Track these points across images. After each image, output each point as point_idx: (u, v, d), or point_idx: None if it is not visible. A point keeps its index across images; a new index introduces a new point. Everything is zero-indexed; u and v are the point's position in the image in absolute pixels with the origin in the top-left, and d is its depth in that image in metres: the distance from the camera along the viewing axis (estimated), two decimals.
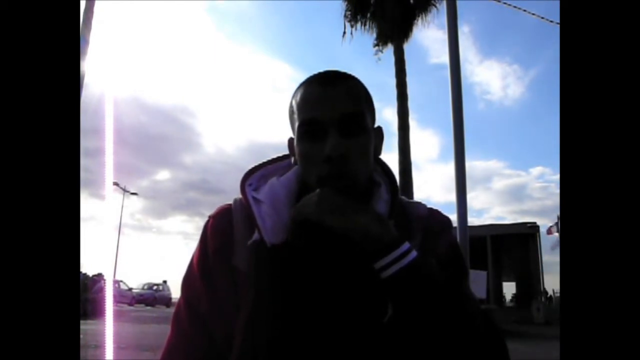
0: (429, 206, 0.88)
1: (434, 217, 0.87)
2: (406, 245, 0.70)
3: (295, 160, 0.84)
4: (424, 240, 0.80)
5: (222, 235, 0.82)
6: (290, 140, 0.85)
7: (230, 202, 0.86)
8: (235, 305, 0.77)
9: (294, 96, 0.82)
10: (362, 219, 0.71)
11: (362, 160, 0.77)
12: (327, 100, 0.77)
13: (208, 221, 0.85)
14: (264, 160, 0.90)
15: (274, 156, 0.91)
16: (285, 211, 0.78)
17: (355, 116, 0.77)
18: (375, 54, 14.39)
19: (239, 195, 0.84)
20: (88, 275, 15.53)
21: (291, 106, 0.83)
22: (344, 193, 0.75)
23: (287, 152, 0.88)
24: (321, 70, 0.84)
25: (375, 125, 0.85)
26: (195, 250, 0.85)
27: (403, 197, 0.88)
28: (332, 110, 0.76)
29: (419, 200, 0.90)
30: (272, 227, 0.77)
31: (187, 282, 0.84)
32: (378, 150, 0.86)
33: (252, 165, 0.88)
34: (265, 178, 0.86)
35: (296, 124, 0.80)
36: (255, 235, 0.77)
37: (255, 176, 0.86)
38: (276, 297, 0.75)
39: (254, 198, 0.81)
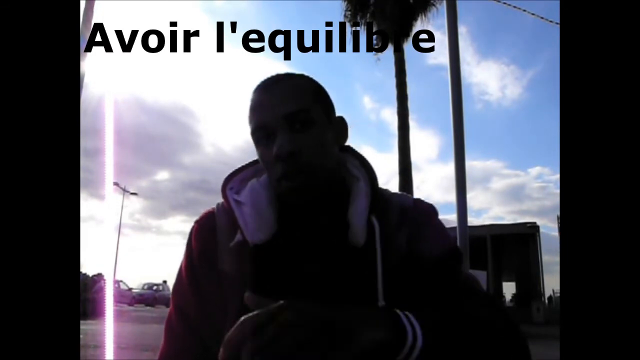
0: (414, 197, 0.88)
1: (418, 207, 0.86)
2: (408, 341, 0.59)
3: None
4: (411, 231, 0.80)
5: (206, 240, 0.82)
6: None
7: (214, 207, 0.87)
8: (224, 308, 0.76)
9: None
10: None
11: (317, 153, 0.77)
12: (270, 104, 0.77)
13: (193, 227, 0.86)
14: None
15: None
16: (268, 211, 0.79)
17: (300, 113, 0.77)
18: (374, 54, 14.40)
19: (222, 200, 0.84)
20: (88, 275, 15.50)
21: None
22: (301, 192, 0.75)
23: None
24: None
25: (338, 115, 0.85)
26: (183, 257, 0.85)
27: (386, 190, 0.88)
28: (275, 112, 0.76)
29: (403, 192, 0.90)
30: (255, 227, 0.78)
31: (177, 289, 0.84)
32: (341, 140, 0.86)
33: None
34: (246, 181, 0.86)
35: None
36: (238, 236, 0.78)
37: (236, 179, 0.86)
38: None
39: (236, 200, 0.81)
